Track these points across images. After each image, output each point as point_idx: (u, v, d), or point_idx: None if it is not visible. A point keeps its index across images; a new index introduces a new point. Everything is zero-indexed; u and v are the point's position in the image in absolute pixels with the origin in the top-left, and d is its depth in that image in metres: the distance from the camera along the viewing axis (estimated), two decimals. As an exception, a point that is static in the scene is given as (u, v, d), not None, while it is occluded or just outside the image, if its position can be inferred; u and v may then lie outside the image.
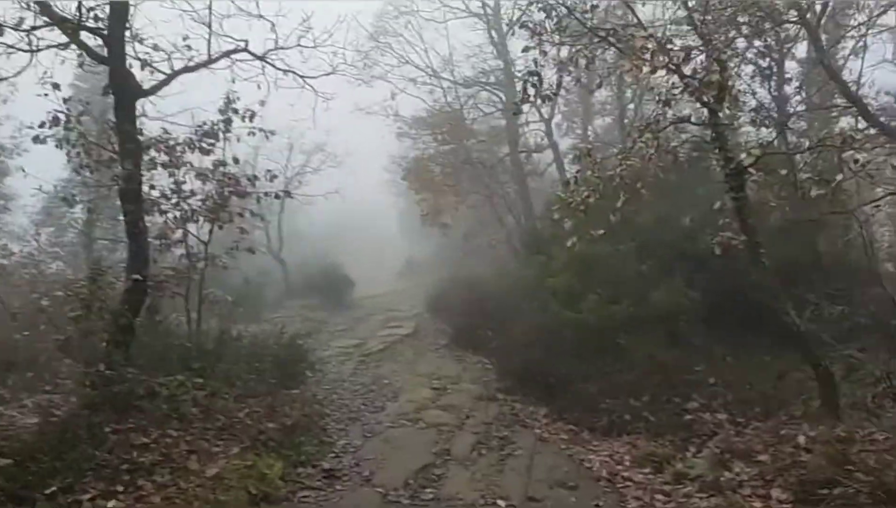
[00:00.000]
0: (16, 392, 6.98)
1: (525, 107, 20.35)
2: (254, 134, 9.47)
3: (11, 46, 7.57)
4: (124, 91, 7.52)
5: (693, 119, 8.52)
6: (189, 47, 8.50)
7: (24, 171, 10.08)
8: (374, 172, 30.05)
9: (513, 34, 19.90)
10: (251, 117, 9.25)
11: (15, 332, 8.54)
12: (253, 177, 9.40)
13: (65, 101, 8.27)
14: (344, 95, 23.63)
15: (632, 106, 18.06)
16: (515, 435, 8.77)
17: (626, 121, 17.26)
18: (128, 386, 6.51)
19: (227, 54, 8.85)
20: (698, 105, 7.92)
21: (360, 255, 32.52)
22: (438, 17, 20.73)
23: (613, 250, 9.97)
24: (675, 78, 7.43)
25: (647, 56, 7.05)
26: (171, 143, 8.94)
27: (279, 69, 9.31)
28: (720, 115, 7.31)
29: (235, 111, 9.20)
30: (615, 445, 7.89)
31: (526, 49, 8.03)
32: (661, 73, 7.57)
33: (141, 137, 8.12)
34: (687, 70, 7.31)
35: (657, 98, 7.65)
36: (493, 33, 20.06)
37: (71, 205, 11.99)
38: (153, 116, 9.26)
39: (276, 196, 9.53)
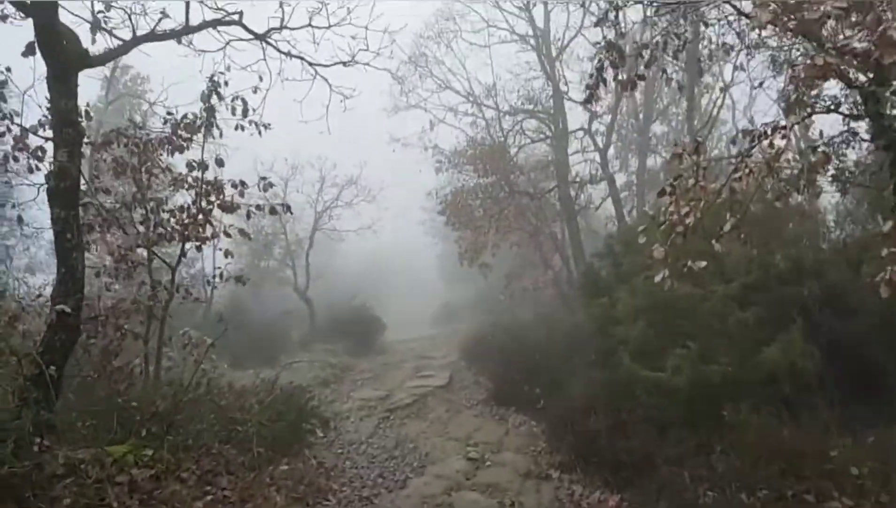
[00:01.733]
0: None
1: (578, 134, 18.76)
2: (243, 129, 7.51)
3: None
4: (59, 56, 5.71)
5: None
6: (164, 13, 6.64)
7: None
8: (411, 210, 28.41)
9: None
10: (244, 111, 7.31)
11: None
12: (241, 183, 7.41)
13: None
14: (378, 125, 22.53)
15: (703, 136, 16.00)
16: (580, 536, 6.52)
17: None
18: (34, 464, 4.55)
19: (212, 24, 6.93)
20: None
21: (394, 297, 30.71)
22: (481, 42, 19.28)
23: (704, 292, 7.75)
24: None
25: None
26: (142, 137, 7.12)
27: (282, 52, 7.48)
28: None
29: (220, 97, 7.26)
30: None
31: (600, 21, 6.08)
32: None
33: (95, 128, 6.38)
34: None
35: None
36: (542, 57, 18.33)
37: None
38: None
39: (272, 211, 7.52)
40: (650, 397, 7.71)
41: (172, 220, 7.11)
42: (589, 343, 11.37)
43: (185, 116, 7.18)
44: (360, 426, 11.44)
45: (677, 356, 7.48)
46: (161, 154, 7.19)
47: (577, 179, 17.49)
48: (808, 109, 5.31)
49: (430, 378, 15.35)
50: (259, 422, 7.37)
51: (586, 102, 6.43)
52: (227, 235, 7.44)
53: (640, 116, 19.59)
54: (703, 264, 5.88)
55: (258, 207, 7.39)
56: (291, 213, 7.89)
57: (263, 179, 7.28)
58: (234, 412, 7.48)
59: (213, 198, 7.15)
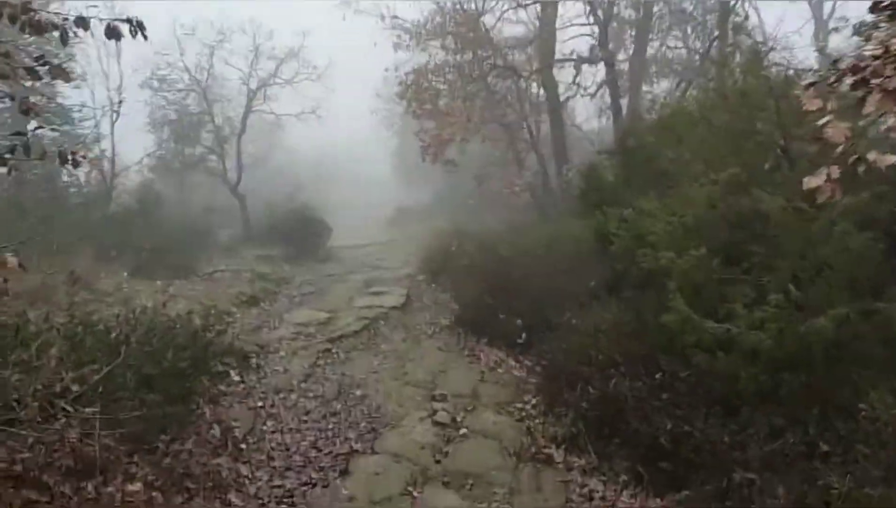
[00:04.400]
0: None
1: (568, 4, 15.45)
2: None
3: None
4: None
5: None
6: None
7: None
8: (364, 94, 24.72)
9: None
10: None
11: None
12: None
13: None
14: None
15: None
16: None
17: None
18: None
19: None
20: None
21: (342, 196, 27.57)
22: None
23: (808, 207, 5.12)
24: None
25: None
26: None
27: None
28: None
29: None
30: None
31: None
32: None
33: None
34: None
35: None
36: None
37: None
38: None
39: (111, 32, 4.13)
40: (711, 358, 5.23)
41: None
42: (588, 266, 8.92)
43: None
44: (292, 364, 8.80)
45: (767, 303, 4.93)
46: None
47: (573, 56, 14.24)
48: None
49: (383, 296, 12.74)
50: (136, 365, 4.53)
51: None
52: (35, 75, 4.08)
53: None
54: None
55: (80, 19, 3.98)
56: (144, 35, 4.22)
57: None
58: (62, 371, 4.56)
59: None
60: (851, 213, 4.84)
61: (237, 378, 7.82)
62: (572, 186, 13.35)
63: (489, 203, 17.06)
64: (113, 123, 16.42)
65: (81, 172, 15.87)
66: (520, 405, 7.28)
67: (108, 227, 13.74)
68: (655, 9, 17.12)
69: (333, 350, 9.52)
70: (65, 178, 14.93)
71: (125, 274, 11.69)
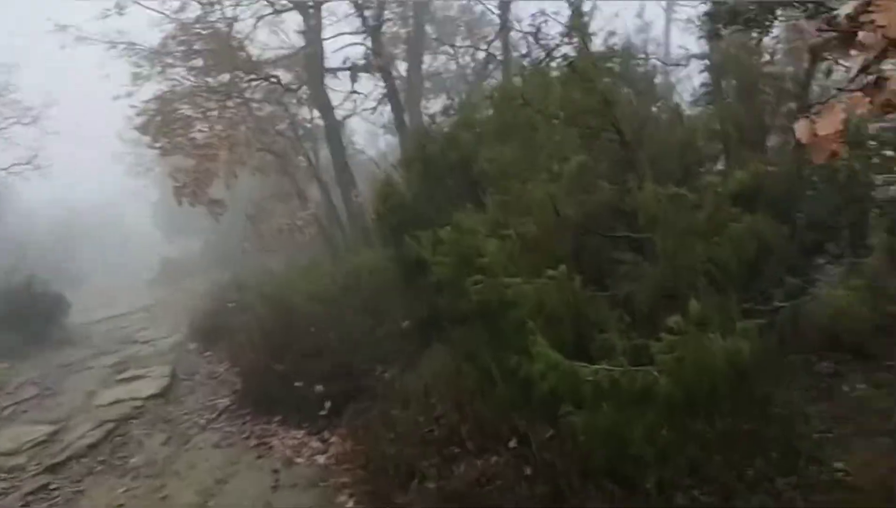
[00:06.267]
0: None
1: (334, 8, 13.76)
2: None
3: None
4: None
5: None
6: None
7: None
8: (104, 137, 20.63)
9: None
10: None
11: None
12: None
13: None
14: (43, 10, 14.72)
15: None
16: None
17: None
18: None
19: None
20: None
21: (92, 260, 22.86)
22: None
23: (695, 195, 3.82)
24: None
25: None
26: None
27: None
28: None
29: None
30: None
31: None
32: None
33: None
34: None
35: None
36: None
37: None
38: None
39: None
40: (591, 416, 3.65)
41: None
42: (399, 304, 7.22)
43: None
44: (-27, 526, 5.69)
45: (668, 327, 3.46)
46: None
47: (348, 65, 12.34)
48: None
49: (138, 382, 9.73)
50: None
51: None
52: None
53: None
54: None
55: None
56: None
57: None
58: None
59: None
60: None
61: None
62: (363, 211, 11.64)
63: (270, 244, 14.59)
64: None
65: None
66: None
67: None
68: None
69: (53, 485, 6.49)
70: None
71: None
